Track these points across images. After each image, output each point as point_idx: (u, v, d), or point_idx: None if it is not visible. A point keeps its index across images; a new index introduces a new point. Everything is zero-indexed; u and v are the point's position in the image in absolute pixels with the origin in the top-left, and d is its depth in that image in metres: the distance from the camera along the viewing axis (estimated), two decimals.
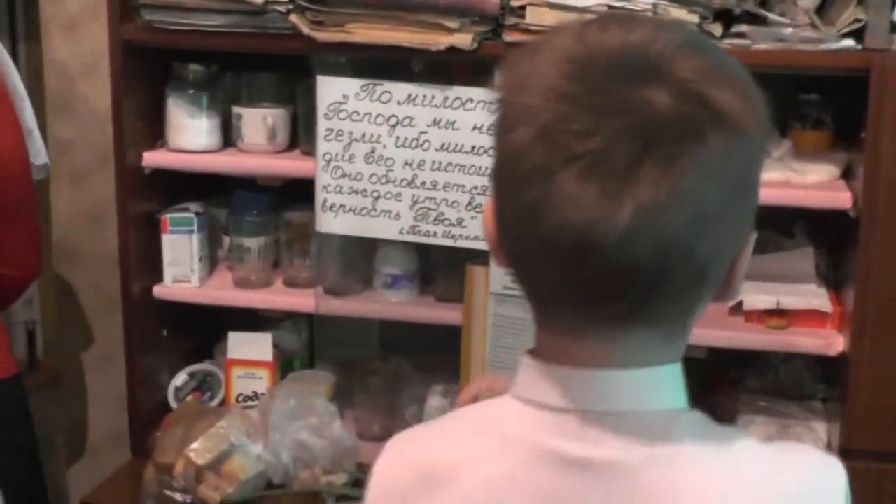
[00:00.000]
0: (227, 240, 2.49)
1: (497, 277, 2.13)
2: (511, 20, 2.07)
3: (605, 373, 0.96)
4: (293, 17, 2.13)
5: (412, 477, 1.04)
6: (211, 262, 2.51)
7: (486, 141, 2.09)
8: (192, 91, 2.36)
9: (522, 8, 2.04)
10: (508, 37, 2.06)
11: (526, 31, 2.04)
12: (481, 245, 2.11)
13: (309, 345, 2.60)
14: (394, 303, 2.33)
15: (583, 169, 0.87)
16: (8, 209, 2.20)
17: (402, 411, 2.38)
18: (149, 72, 2.38)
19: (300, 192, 2.38)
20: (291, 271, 2.43)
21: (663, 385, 0.98)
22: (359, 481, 2.20)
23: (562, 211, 0.88)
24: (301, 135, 2.40)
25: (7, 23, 2.79)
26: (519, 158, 0.93)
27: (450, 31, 2.06)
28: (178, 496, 2.19)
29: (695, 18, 1.98)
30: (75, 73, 2.73)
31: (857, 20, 1.97)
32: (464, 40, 2.05)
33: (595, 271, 0.90)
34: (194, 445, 2.18)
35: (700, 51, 0.95)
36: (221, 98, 2.39)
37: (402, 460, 1.08)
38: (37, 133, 2.34)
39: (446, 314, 2.26)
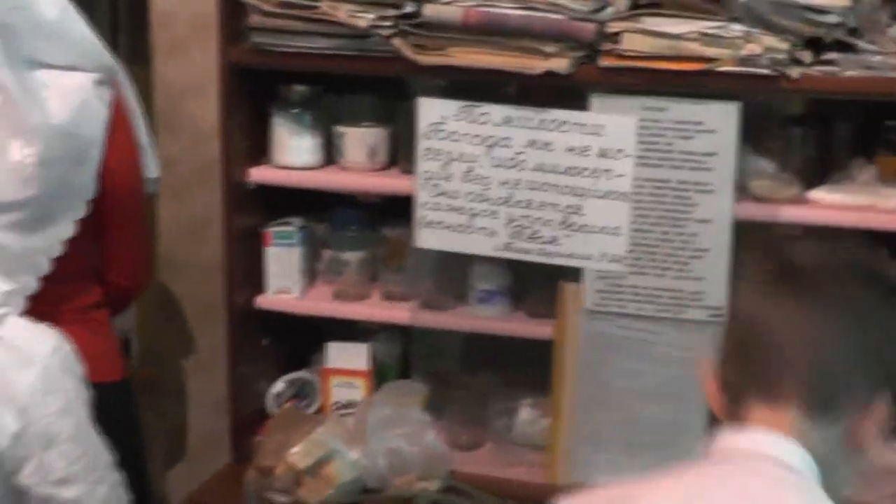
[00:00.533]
0: (326, 253, 2.54)
1: (590, 294, 2.17)
2: (606, 46, 2.09)
3: None
4: (396, 42, 2.18)
5: None
6: (310, 274, 2.56)
7: (580, 162, 2.14)
8: (296, 111, 2.42)
9: (618, 34, 2.07)
10: (603, 62, 2.09)
11: (621, 56, 2.07)
12: (574, 262, 2.18)
13: (402, 356, 2.63)
14: (487, 317, 2.37)
15: None
16: (120, 219, 2.28)
17: (492, 423, 2.43)
18: (254, 92, 2.45)
19: (396, 208, 2.42)
20: (388, 285, 2.48)
21: None
22: (450, 488, 2.27)
23: None
24: (400, 153, 2.44)
25: (116, 46, 2.86)
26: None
27: (546, 55, 2.10)
28: (278, 497, 2.26)
29: (785, 46, 2.02)
30: (181, 93, 2.77)
31: None
32: (560, 65, 2.08)
33: None
34: (295, 450, 2.26)
35: None
36: (324, 117, 2.45)
37: None
38: (149, 148, 2.41)
39: (538, 329, 2.29)
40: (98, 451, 1.59)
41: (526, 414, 2.37)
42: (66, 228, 2.16)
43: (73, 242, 2.18)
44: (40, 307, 1.93)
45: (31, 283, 2.09)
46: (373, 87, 2.49)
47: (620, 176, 2.12)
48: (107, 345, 2.31)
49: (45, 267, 2.13)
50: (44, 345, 1.52)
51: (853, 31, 2.06)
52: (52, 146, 2.09)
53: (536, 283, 2.33)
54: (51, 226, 2.14)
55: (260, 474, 2.31)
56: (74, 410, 1.54)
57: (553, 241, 2.19)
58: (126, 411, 2.32)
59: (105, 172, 2.20)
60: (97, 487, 1.56)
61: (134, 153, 2.31)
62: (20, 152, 2.06)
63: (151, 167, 2.42)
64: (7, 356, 1.48)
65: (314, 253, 2.58)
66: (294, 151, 2.45)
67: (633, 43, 2.07)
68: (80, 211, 2.18)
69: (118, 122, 2.24)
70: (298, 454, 2.26)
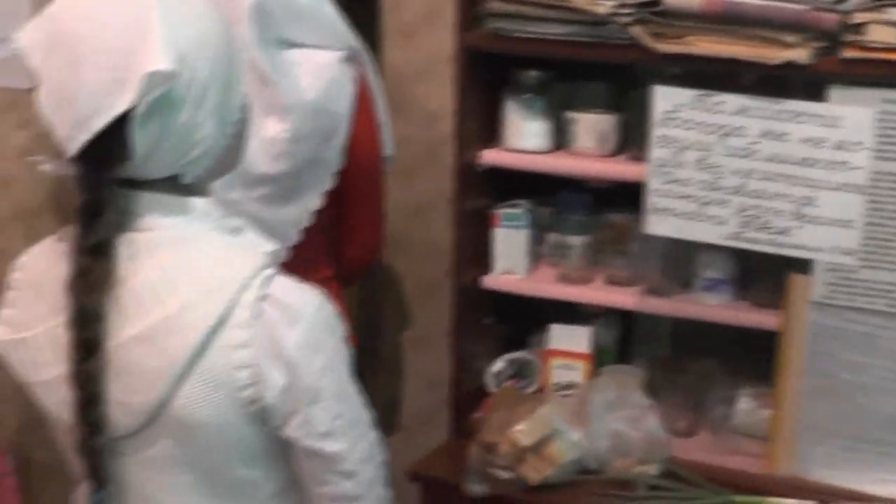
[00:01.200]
0: (551, 237, 2.59)
1: (818, 286, 2.16)
2: (849, 37, 2.06)
3: None
4: (635, 29, 2.20)
5: None
6: (535, 257, 2.62)
7: (815, 153, 2.13)
8: (528, 95, 2.47)
9: (862, 25, 2.04)
10: (846, 54, 2.06)
11: (865, 48, 2.04)
12: (805, 253, 2.17)
13: (619, 341, 2.65)
14: (712, 305, 2.37)
15: None
16: (361, 193, 2.38)
17: (710, 411, 2.44)
18: (487, 76, 2.49)
19: (621, 194, 2.45)
20: (611, 269, 2.51)
21: None
22: (669, 473, 2.30)
23: None
24: (629, 140, 2.46)
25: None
26: None
27: (786, 45, 2.08)
28: (500, 473, 2.30)
29: None
30: (410, 76, 2.83)
31: None
32: (800, 55, 2.06)
33: None
34: (519, 427, 2.30)
35: None
36: (555, 103, 2.48)
37: None
38: (388, 125, 2.49)
39: (762, 319, 2.30)
40: (358, 409, 1.62)
41: (746, 403, 2.37)
42: (313, 200, 2.26)
43: (316, 214, 2.28)
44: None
45: (279, 253, 2.22)
46: (604, 74, 2.50)
47: (856, 168, 2.10)
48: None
49: (294, 237, 2.24)
50: (310, 303, 1.54)
51: None
52: (304, 122, 2.17)
53: (763, 273, 2.33)
54: (300, 198, 2.24)
55: (483, 450, 2.36)
56: (336, 368, 1.57)
57: (784, 231, 2.17)
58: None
59: (350, 147, 2.28)
60: (359, 443, 1.60)
61: (376, 129, 2.39)
62: (274, 128, 2.15)
63: (388, 146, 2.50)
64: (276, 313, 1.50)
65: (539, 236, 2.63)
66: (525, 135, 2.49)
67: (878, 34, 2.03)
68: (327, 183, 2.27)
69: (362, 99, 2.32)
70: (522, 432, 2.30)
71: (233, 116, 1.57)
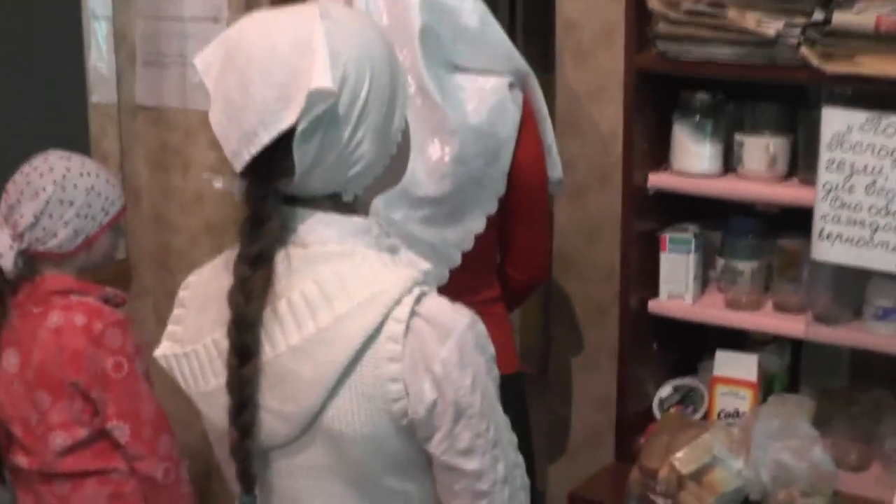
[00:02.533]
0: (720, 261, 2.57)
1: None
2: None
3: None
4: (803, 50, 2.20)
5: None
6: (703, 281, 2.61)
7: None
8: (697, 118, 2.47)
9: None
10: None
11: None
12: None
13: (790, 368, 2.62)
14: (884, 335, 2.32)
15: None
16: (526, 216, 2.40)
17: (882, 442, 2.38)
18: (657, 98, 2.51)
19: (792, 219, 2.43)
20: (781, 296, 2.48)
21: None
22: None
23: None
24: (800, 164, 2.44)
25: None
26: None
27: None
28: (659, 500, 2.30)
29: None
30: (585, 97, 2.83)
31: None
32: None
33: None
34: (679, 454, 2.29)
35: None
36: (724, 125, 2.48)
37: None
38: (554, 149, 2.51)
39: None
40: (501, 430, 1.61)
41: None
42: (478, 223, 2.30)
43: (480, 237, 2.31)
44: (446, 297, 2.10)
45: (444, 274, 2.25)
46: (774, 96, 2.49)
47: None
48: (505, 338, 2.38)
49: (457, 259, 2.29)
50: (460, 322, 1.55)
51: None
52: (469, 145, 2.22)
53: None
54: (463, 220, 2.28)
55: (643, 475, 2.36)
56: (483, 387, 1.56)
57: None
58: (519, 403, 2.41)
59: (514, 170, 2.31)
60: (497, 464, 1.58)
61: (541, 153, 2.41)
62: (438, 151, 2.20)
63: (556, 168, 2.52)
64: (427, 329, 1.52)
65: (708, 260, 2.61)
66: (694, 158, 2.50)
67: None
68: (492, 207, 2.31)
69: (527, 123, 2.35)
70: (682, 459, 2.28)
71: (393, 136, 1.61)
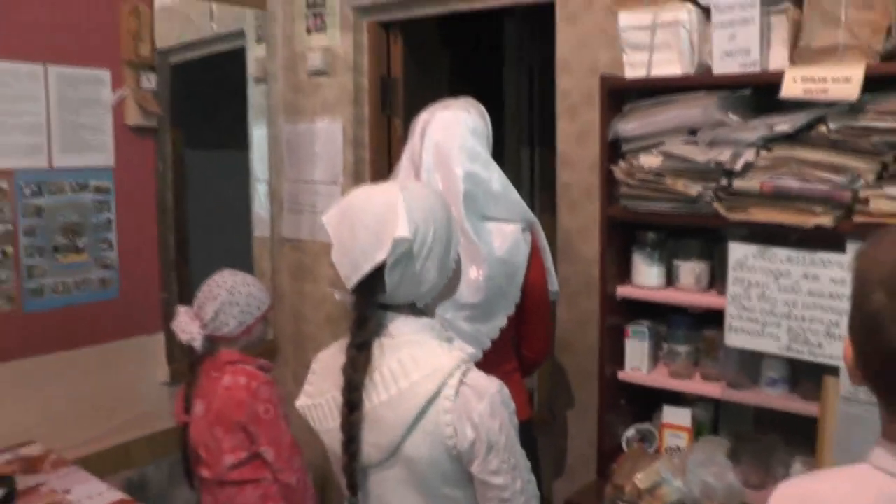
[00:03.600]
0: (665, 345, 2.56)
1: (845, 385, 2.05)
2: (859, 207, 2.02)
3: None
4: (715, 204, 2.21)
5: (791, 500, 1.10)
6: (654, 359, 2.59)
7: (839, 290, 2.07)
8: (648, 249, 2.49)
9: (867, 199, 2.01)
10: (857, 219, 2.02)
11: (870, 214, 2.00)
12: (834, 362, 2.08)
13: (712, 419, 2.58)
14: (773, 396, 2.31)
15: None
16: (534, 315, 2.37)
17: (774, 471, 2.31)
18: (621, 236, 2.52)
19: (712, 317, 2.39)
20: (706, 369, 2.47)
21: None
22: None
23: None
24: (716, 280, 2.43)
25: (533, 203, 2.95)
26: (875, 315, 1.00)
27: (817, 214, 2.05)
28: None
29: None
30: (574, 234, 2.87)
31: None
32: (826, 221, 2.03)
33: None
34: (639, 475, 2.30)
35: None
36: (666, 254, 2.49)
37: (787, 491, 1.13)
38: (552, 271, 2.48)
39: (809, 408, 2.20)
40: (519, 458, 1.60)
41: (799, 466, 2.27)
42: (502, 320, 2.27)
43: (504, 329, 2.29)
44: (482, 370, 2.04)
45: (479, 354, 2.24)
46: (698, 234, 2.46)
47: None
48: (521, 396, 2.36)
49: (488, 344, 2.26)
50: (492, 387, 1.55)
51: None
52: (494, 269, 2.21)
53: (808, 375, 2.24)
54: (493, 318, 2.25)
55: (614, 489, 2.34)
56: (507, 430, 1.56)
57: (819, 345, 2.11)
58: (531, 440, 2.35)
59: (525, 286, 2.29)
60: (516, 480, 1.58)
61: (544, 274, 2.39)
62: (475, 273, 2.19)
63: (554, 283, 2.51)
64: (469, 392, 1.52)
65: (657, 344, 2.59)
66: (646, 276, 2.49)
67: (878, 205, 2.01)
68: (511, 309, 2.28)
69: (535, 254, 2.33)
70: (641, 479, 2.29)
71: (450, 266, 1.61)
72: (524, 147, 4.45)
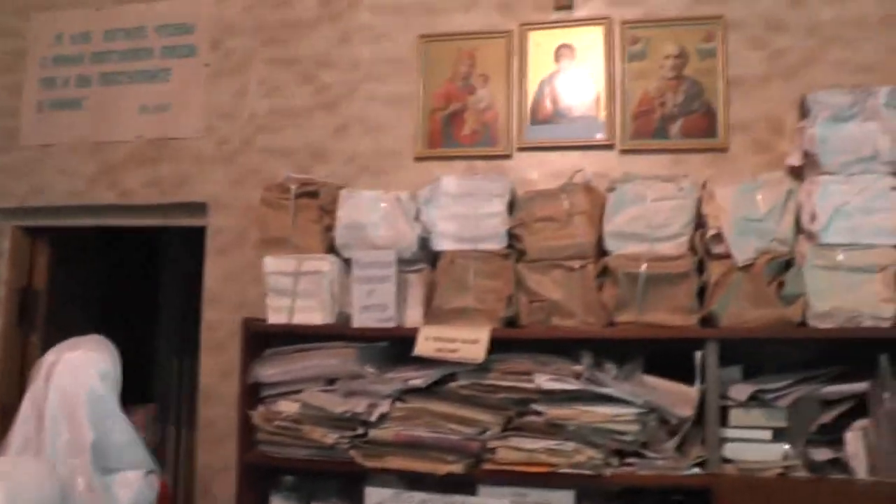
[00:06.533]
0: None
1: None
2: (487, 455, 2.14)
3: None
4: (352, 452, 2.24)
5: None
6: None
7: None
8: (285, 492, 2.44)
9: (494, 448, 2.14)
10: (486, 466, 2.14)
11: (497, 462, 2.12)
12: None
13: None
14: None
15: None
16: None
17: None
18: (260, 480, 2.46)
19: None
20: None
21: None
22: None
23: None
24: None
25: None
26: None
27: (448, 462, 2.15)
28: None
29: (601, 455, 2.06)
30: (215, 474, 2.72)
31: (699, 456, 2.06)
32: (457, 468, 2.14)
33: None
34: None
35: None
36: (305, 496, 2.43)
37: None
38: None
39: None
40: None
41: None
42: None
43: None
44: None
45: None
46: (337, 476, 2.45)
47: None
48: None
49: None
50: None
51: (644, 445, 2.10)
52: None
53: None
54: None
55: None
56: None
57: None
58: None
59: None
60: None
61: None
62: None
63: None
64: None
65: None
66: None
67: (505, 454, 2.14)
68: None
69: (164, 496, 2.22)
70: None
71: None
72: (174, 358, 4.21)
